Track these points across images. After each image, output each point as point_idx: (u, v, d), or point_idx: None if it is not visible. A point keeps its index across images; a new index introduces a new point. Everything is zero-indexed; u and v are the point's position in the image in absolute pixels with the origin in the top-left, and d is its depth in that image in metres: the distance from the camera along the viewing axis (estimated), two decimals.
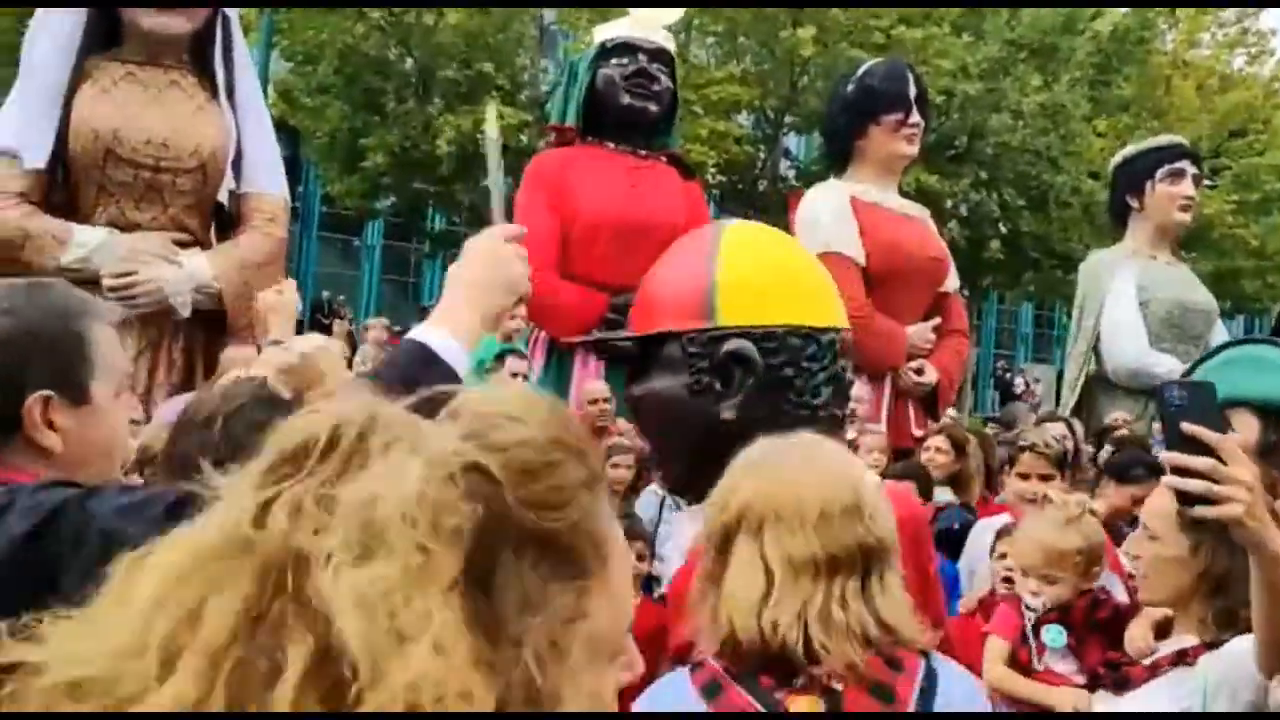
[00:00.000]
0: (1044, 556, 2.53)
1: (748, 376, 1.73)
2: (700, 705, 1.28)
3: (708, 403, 1.74)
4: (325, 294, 17.35)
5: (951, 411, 5.67)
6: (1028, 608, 2.57)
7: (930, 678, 1.31)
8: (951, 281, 5.19)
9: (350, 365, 7.74)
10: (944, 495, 4.12)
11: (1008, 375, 21.14)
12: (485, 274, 1.42)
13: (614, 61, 4.76)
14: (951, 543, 3.69)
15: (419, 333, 1.33)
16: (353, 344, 9.44)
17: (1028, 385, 19.61)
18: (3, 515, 1.08)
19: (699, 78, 15.17)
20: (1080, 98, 16.31)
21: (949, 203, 15.88)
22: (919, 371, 4.84)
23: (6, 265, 3.43)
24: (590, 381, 4.66)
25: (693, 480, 1.71)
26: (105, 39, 3.67)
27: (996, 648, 2.55)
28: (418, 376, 1.18)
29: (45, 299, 1.28)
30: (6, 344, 1.22)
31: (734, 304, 1.76)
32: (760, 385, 1.72)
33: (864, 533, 1.30)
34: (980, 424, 9.11)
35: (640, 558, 3.62)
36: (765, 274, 1.81)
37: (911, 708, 1.27)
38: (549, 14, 17.04)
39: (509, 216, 1.55)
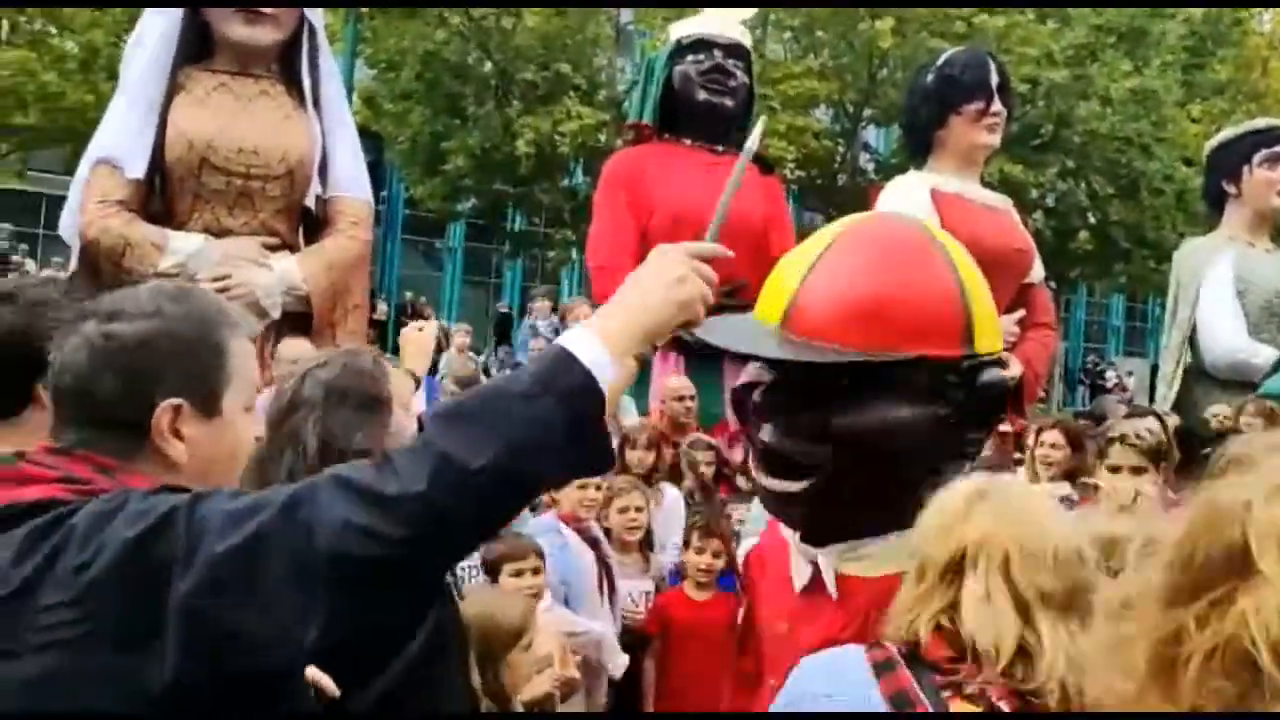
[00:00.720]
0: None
1: (1000, 408, 1.60)
2: (868, 676, 1.30)
3: (953, 435, 1.55)
4: (408, 295, 17.69)
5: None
6: None
7: None
8: (1036, 273, 5.08)
9: (435, 368, 7.89)
10: (1060, 490, 3.99)
11: (1098, 369, 20.56)
12: (660, 288, 1.26)
13: (690, 58, 4.77)
14: None
15: (569, 338, 1.19)
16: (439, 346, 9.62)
17: (1119, 380, 19.05)
18: (112, 518, 1.06)
19: (776, 73, 15.07)
20: (1172, 82, 15.78)
21: (1034, 193, 15.51)
22: (1002, 365, 4.75)
23: (109, 271, 3.59)
24: (672, 377, 4.67)
25: (885, 517, 1.55)
26: (198, 51, 3.81)
27: None
28: (555, 381, 1.13)
29: (190, 305, 1.24)
30: (145, 346, 1.18)
31: (986, 330, 1.60)
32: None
33: (1088, 575, 1.34)
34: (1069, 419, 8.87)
35: (716, 555, 3.62)
36: (988, 293, 1.65)
37: None
38: (625, 13, 17.11)
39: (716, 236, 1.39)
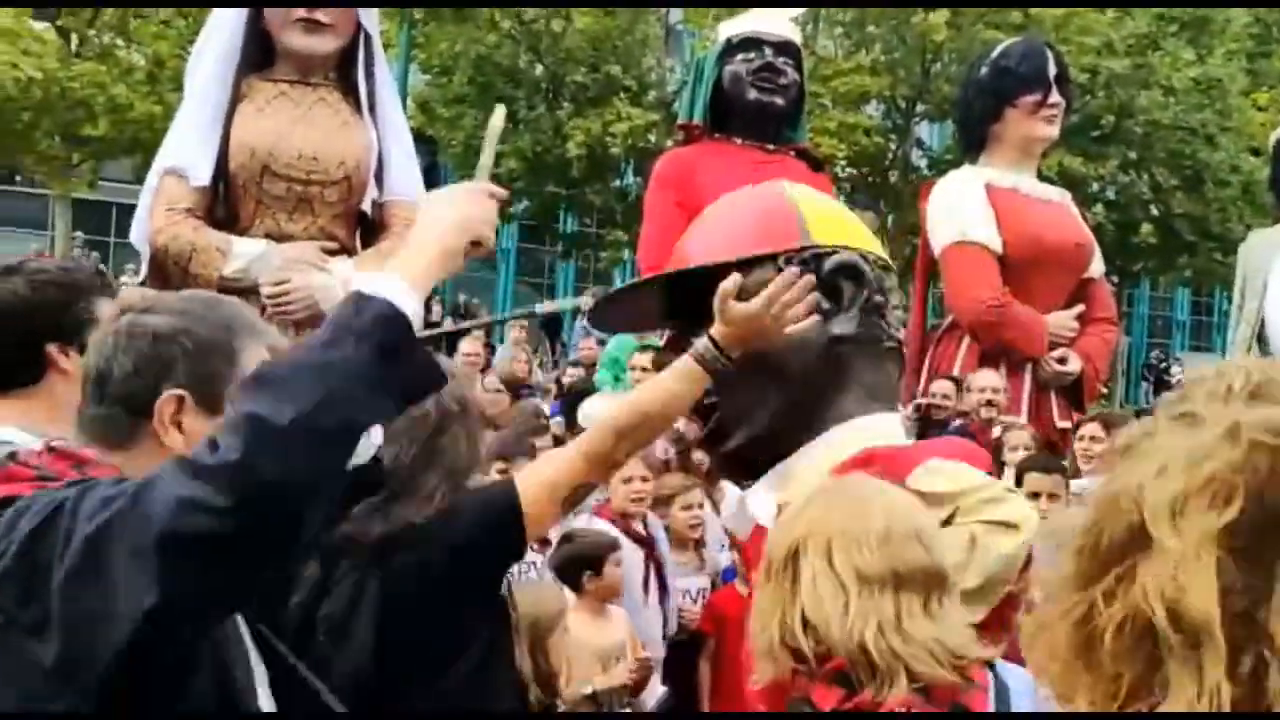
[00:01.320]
0: None
1: (860, 292, 1.68)
2: None
3: (820, 334, 1.65)
4: (462, 297, 17.88)
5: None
6: None
7: (1001, 689, 1.33)
8: (1096, 267, 5.00)
9: (488, 365, 7.98)
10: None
11: (1162, 365, 20.11)
12: (435, 213, 1.34)
13: (740, 57, 4.76)
14: None
15: (358, 280, 1.25)
16: (489, 347, 9.72)
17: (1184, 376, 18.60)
18: (24, 514, 1.13)
19: (826, 69, 14.98)
20: (1237, 70, 15.40)
21: (1095, 186, 15.23)
22: (1061, 361, 4.68)
23: (177, 276, 3.69)
24: None
25: (782, 430, 1.65)
26: (259, 61, 3.89)
27: None
28: (351, 322, 1.14)
29: (215, 312, 1.32)
30: (164, 339, 1.26)
31: (824, 226, 1.74)
32: (863, 308, 1.69)
33: (924, 556, 1.32)
34: (1133, 416, 8.71)
35: None
36: (838, 208, 1.87)
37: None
38: (675, 14, 17.12)
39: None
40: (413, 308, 1.19)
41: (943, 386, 4.87)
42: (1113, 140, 15.38)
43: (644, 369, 4.95)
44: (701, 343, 1.67)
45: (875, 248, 1.80)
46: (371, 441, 1.18)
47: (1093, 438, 4.07)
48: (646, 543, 3.55)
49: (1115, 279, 17.70)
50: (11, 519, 1.14)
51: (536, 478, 1.80)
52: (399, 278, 1.21)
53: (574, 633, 2.71)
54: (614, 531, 3.45)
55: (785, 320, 1.63)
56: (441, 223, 1.32)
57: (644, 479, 3.56)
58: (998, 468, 3.81)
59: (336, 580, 1.72)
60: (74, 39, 15.59)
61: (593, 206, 16.55)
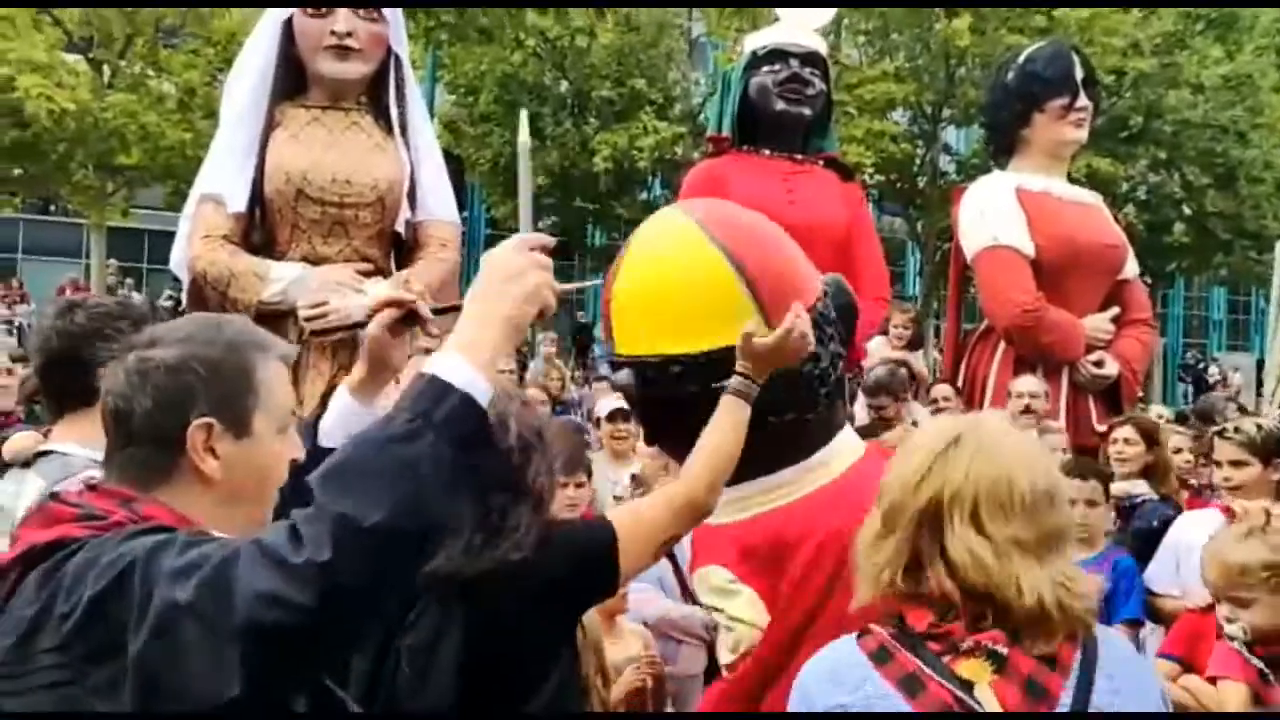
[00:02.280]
0: (1224, 573, 2.30)
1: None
2: (870, 670, 1.34)
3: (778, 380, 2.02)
4: None
5: (1163, 410, 5.38)
6: (1228, 637, 2.28)
7: (1090, 643, 1.35)
8: (1130, 268, 4.96)
9: (522, 380, 8.01)
10: (1138, 489, 3.89)
11: (1200, 365, 19.85)
12: (500, 287, 1.29)
13: (765, 69, 4.77)
14: (1154, 542, 3.49)
15: (431, 363, 1.21)
16: (521, 361, 9.76)
17: (1222, 375, 18.35)
18: (91, 568, 1.12)
19: (851, 78, 14.98)
20: (1268, 66, 15.22)
21: (1124, 186, 15.11)
22: (1098, 364, 4.64)
23: (215, 301, 3.75)
24: None
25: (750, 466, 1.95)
26: (293, 87, 3.95)
27: (1236, 694, 2.22)
28: (431, 412, 1.15)
29: (220, 331, 1.31)
30: (176, 370, 1.26)
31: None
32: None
33: (1061, 518, 1.40)
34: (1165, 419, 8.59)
35: None
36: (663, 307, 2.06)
37: (1074, 671, 1.32)
38: (698, 27, 17.18)
39: (536, 226, 1.44)
40: (487, 395, 1.19)
41: (943, 390, 4.90)
42: (1142, 140, 15.26)
43: None
44: (734, 381, 1.90)
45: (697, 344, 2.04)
46: None
47: (1126, 440, 4.01)
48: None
49: (1149, 280, 17.51)
50: (77, 572, 1.13)
51: (636, 526, 1.84)
52: (471, 363, 1.20)
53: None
54: None
55: (801, 345, 1.92)
56: (506, 297, 1.29)
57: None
58: None
59: (420, 612, 1.75)
60: (106, 71, 15.88)
61: (620, 220, 16.60)
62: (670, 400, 1.97)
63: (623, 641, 3.01)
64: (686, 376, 1.96)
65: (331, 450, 1.56)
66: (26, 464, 1.89)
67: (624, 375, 2.04)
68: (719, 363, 1.92)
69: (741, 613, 1.97)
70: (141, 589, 1.09)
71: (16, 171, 16.14)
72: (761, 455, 1.94)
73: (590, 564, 1.80)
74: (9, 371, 3.44)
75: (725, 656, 2.03)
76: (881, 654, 1.34)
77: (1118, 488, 3.79)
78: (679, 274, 2.00)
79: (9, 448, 2.64)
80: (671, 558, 3.67)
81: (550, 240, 1.40)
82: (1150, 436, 4.02)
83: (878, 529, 1.42)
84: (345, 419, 1.64)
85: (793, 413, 2.00)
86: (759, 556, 2.02)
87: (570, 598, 1.82)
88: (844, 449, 2.13)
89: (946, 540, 1.36)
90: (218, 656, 1.06)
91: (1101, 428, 4.57)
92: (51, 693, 1.11)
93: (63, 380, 1.92)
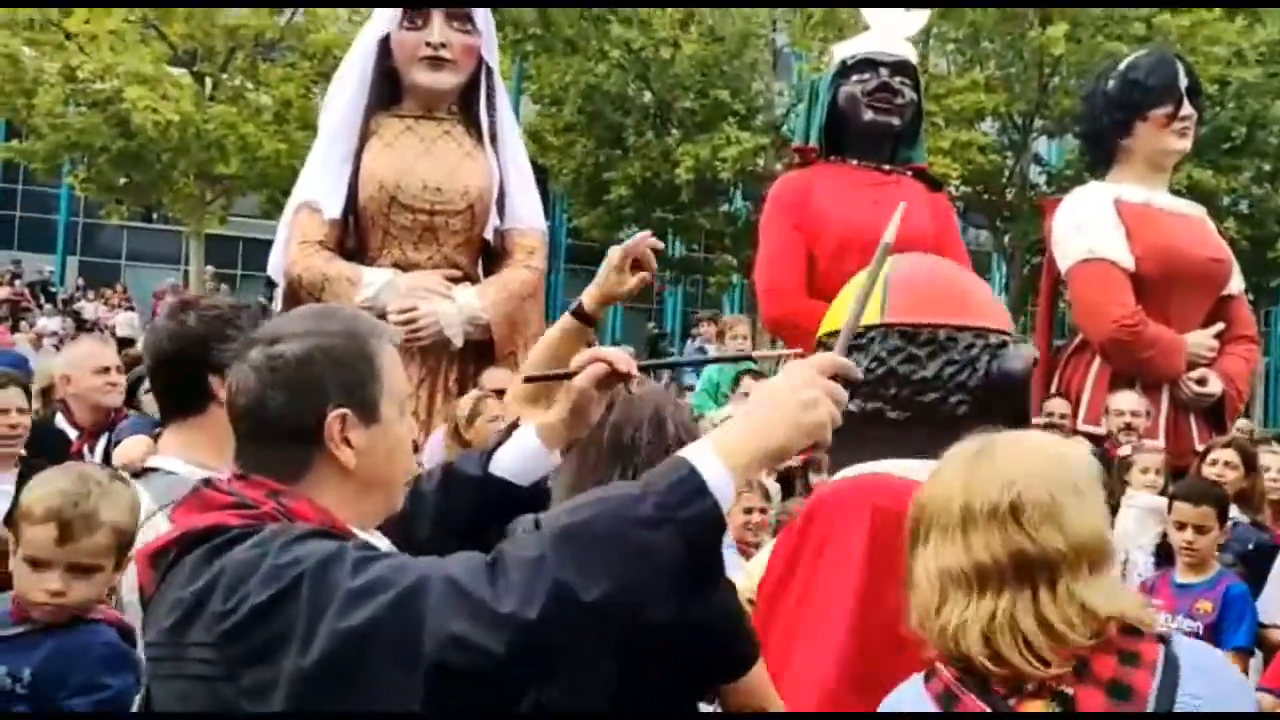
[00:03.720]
0: None
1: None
2: (936, 713, 1.30)
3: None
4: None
5: (1242, 422, 5.19)
6: None
7: (1171, 666, 1.26)
8: (1235, 284, 4.78)
9: None
10: (1232, 513, 3.74)
11: None
12: (792, 408, 1.22)
13: (855, 78, 4.72)
14: (1246, 565, 3.37)
15: (695, 453, 1.16)
16: None
17: None
18: (255, 568, 1.12)
19: (939, 88, 14.74)
20: None
21: (1226, 199, 14.58)
22: (1200, 382, 4.47)
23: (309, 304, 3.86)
24: None
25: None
26: (388, 97, 4.05)
27: None
28: (680, 507, 1.11)
29: (337, 320, 1.32)
30: (306, 363, 1.25)
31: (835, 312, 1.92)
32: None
33: (1029, 538, 1.28)
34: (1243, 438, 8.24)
35: None
36: (854, 290, 1.95)
37: (1151, 703, 1.23)
38: (782, 37, 17.10)
39: (846, 349, 1.34)
40: (731, 501, 1.15)
41: (1059, 405, 4.64)
42: (1245, 152, 14.73)
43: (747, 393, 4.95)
44: None
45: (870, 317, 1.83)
46: None
47: (1226, 464, 3.84)
48: None
49: (1251, 296, 16.86)
50: (239, 571, 1.13)
51: None
52: (729, 471, 1.15)
53: None
54: (731, 546, 3.49)
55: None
56: (790, 422, 1.21)
57: (762, 510, 3.61)
58: (1120, 487, 3.66)
59: None
60: (208, 84, 16.46)
61: (702, 231, 16.59)
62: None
63: None
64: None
65: (501, 480, 1.59)
66: (137, 474, 1.91)
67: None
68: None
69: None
70: (311, 605, 1.09)
71: (122, 180, 16.80)
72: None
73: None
74: (119, 369, 3.57)
75: None
76: (948, 697, 1.29)
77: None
78: None
79: (121, 454, 2.70)
80: None
81: (857, 373, 1.33)
82: (1251, 461, 3.86)
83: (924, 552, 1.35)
84: (525, 457, 1.62)
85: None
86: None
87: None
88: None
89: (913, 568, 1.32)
90: (398, 686, 1.06)
91: (1200, 447, 4.41)
92: (201, 684, 1.13)
93: (173, 382, 1.93)
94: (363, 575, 1.10)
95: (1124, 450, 4.08)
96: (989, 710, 1.26)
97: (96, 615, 1.79)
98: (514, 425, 1.67)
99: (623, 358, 1.64)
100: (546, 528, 1.12)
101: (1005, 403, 1.79)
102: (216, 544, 1.17)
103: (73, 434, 3.46)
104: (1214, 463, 3.86)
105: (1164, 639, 1.29)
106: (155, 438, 2.11)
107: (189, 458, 1.86)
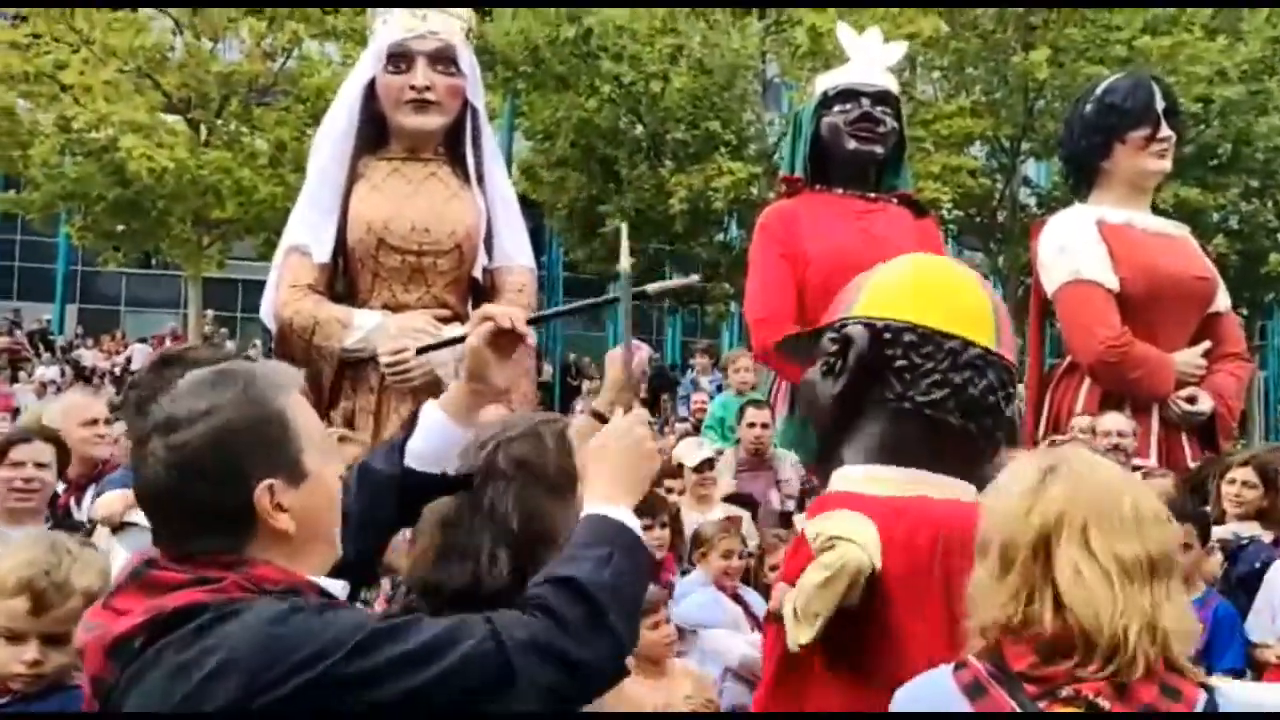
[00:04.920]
0: None
1: (842, 358, 1.86)
2: (964, 703, 1.30)
3: (826, 384, 1.88)
4: (572, 356, 18.13)
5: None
6: None
7: (1211, 708, 1.26)
8: (1222, 301, 4.81)
9: None
10: (1245, 530, 3.74)
11: None
12: (630, 473, 1.51)
13: (837, 109, 4.77)
14: (1257, 585, 3.36)
15: (605, 509, 1.44)
16: None
17: None
18: (264, 653, 1.13)
19: (927, 113, 14.85)
20: None
21: (1215, 216, 14.66)
22: (1190, 400, 4.50)
23: (300, 348, 3.87)
24: None
25: (820, 461, 1.96)
26: (375, 140, 4.09)
27: None
28: (623, 561, 1.37)
29: (229, 388, 1.27)
30: (217, 446, 1.22)
31: (871, 300, 1.89)
32: (866, 370, 1.82)
33: (1168, 538, 1.35)
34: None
35: None
36: (912, 279, 1.92)
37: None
38: (772, 68, 17.26)
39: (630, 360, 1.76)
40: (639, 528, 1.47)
41: (1117, 423, 4.37)
42: (1232, 169, 14.80)
43: (764, 425, 4.97)
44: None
45: (947, 324, 1.84)
46: None
47: (1245, 483, 3.81)
48: (738, 600, 3.72)
49: (1244, 311, 16.89)
50: (237, 650, 1.14)
51: None
52: (631, 515, 1.46)
53: (627, 693, 2.65)
54: (710, 587, 3.57)
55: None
56: (639, 473, 1.53)
57: (740, 555, 3.79)
58: None
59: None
60: (203, 130, 16.59)
61: (698, 261, 16.65)
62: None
63: (674, 681, 3.01)
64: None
65: (422, 474, 1.64)
66: (115, 528, 1.90)
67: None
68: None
69: (843, 529, 1.70)
70: (361, 690, 1.15)
71: (119, 227, 16.88)
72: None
73: None
74: (106, 421, 3.56)
75: (814, 575, 1.66)
76: (976, 689, 1.30)
77: (1226, 529, 3.66)
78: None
79: (102, 507, 2.69)
80: (740, 600, 3.67)
81: (645, 417, 1.61)
82: (1270, 479, 3.84)
83: (994, 571, 1.36)
84: (438, 437, 1.64)
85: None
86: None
87: None
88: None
89: (1055, 564, 1.32)
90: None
91: (1193, 465, 4.42)
92: None
93: None
94: (415, 639, 1.21)
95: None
96: (1017, 709, 1.27)
97: (74, 682, 1.77)
98: (415, 415, 1.69)
99: (510, 313, 1.68)
100: (598, 595, 1.33)
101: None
102: (197, 627, 1.16)
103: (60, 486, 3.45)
104: (1232, 481, 3.83)
105: (1208, 687, 1.31)
106: None
107: None
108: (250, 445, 1.24)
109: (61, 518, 3.15)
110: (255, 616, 1.16)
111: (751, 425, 5.06)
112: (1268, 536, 3.71)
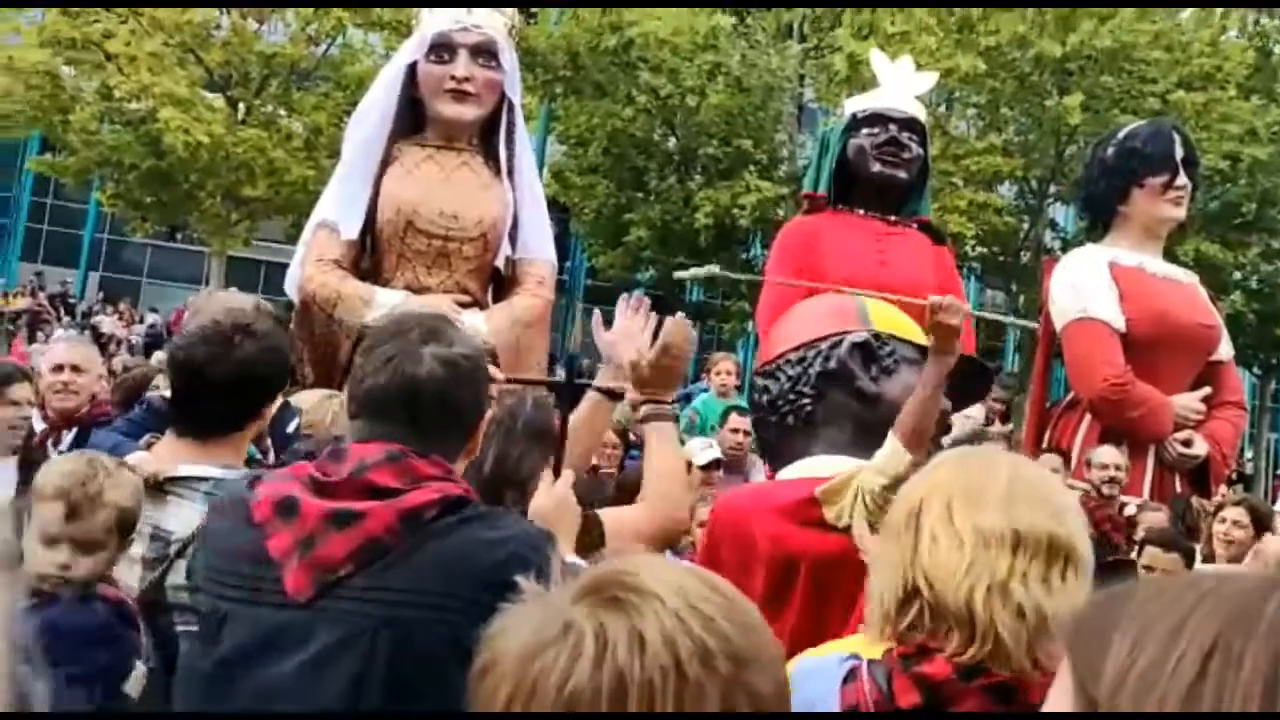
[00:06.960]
0: None
1: (809, 367, 2.43)
2: (836, 684, 1.28)
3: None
4: (587, 361, 18.20)
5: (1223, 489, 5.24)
6: None
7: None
8: (1225, 350, 4.87)
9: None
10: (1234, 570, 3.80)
11: None
12: (566, 529, 1.82)
13: (865, 131, 4.85)
14: None
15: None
16: None
17: None
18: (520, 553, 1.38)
19: (958, 149, 14.94)
20: None
21: (1235, 274, 14.67)
22: (1186, 443, 4.56)
23: (322, 321, 3.98)
24: None
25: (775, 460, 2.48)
26: (411, 126, 4.20)
27: None
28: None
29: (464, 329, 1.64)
30: (478, 369, 1.53)
31: (882, 318, 2.51)
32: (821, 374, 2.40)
33: (1049, 522, 1.28)
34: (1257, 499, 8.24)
35: None
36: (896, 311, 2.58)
37: None
38: (808, 92, 17.37)
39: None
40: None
41: (1112, 455, 4.53)
42: (1254, 228, 14.83)
43: (745, 432, 5.05)
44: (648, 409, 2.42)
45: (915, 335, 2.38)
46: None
47: (1235, 522, 3.91)
48: None
49: (1259, 372, 16.86)
50: (506, 561, 1.33)
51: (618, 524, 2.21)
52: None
53: None
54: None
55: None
56: (565, 517, 1.87)
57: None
58: (1129, 544, 3.73)
59: None
60: (241, 108, 16.82)
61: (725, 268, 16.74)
62: None
63: None
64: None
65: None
66: (160, 483, 1.94)
67: None
68: None
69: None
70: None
71: (150, 198, 17.12)
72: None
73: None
74: (75, 369, 3.55)
75: (874, 480, 1.99)
76: (851, 674, 1.28)
77: (1214, 569, 3.72)
78: None
79: (144, 466, 2.62)
80: None
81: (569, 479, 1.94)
82: (1261, 522, 3.92)
83: (880, 553, 1.37)
84: None
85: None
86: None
87: None
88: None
89: (919, 537, 1.30)
90: None
91: (1214, 505, 4.47)
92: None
93: (231, 404, 1.96)
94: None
95: (1130, 510, 4.16)
96: (871, 690, 1.25)
97: (98, 591, 1.88)
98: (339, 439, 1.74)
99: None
100: None
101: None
102: (483, 511, 1.44)
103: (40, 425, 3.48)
104: (1224, 520, 3.92)
105: None
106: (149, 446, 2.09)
107: (220, 464, 1.95)
108: (483, 382, 1.54)
109: (40, 457, 3.12)
110: (516, 520, 1.50)
111: (735, 430, 5.16)
112: None
